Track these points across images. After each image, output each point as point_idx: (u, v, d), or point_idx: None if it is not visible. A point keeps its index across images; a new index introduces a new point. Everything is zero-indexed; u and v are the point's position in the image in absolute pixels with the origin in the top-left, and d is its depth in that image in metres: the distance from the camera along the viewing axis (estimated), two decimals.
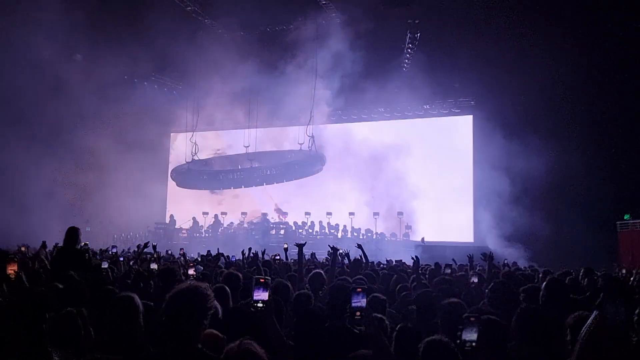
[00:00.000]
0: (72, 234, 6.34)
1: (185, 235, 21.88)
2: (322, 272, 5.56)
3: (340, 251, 7.66)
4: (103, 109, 19.93)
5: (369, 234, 19.67)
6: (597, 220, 16.33)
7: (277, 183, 22.04)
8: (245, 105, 21.43)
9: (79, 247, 6.45)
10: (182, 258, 10.45)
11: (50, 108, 17.71)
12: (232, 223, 22.43)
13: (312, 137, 20.49)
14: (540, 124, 17.45)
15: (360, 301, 2.72)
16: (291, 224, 20.76)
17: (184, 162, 23.06)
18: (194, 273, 6.16)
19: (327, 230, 20.21)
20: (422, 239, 18.32)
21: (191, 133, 22.48)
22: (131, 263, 7.66)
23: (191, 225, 22.46)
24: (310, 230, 20.58)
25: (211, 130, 24.10)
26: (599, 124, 16.67)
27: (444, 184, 19.74)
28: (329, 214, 20.15)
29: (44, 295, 2.79)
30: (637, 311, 2.76)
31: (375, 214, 19.38)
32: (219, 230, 21.61)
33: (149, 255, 9.04)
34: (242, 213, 22.19)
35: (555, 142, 16.80)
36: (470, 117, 20.54)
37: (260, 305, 2.77)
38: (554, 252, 15.77)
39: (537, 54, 16.72)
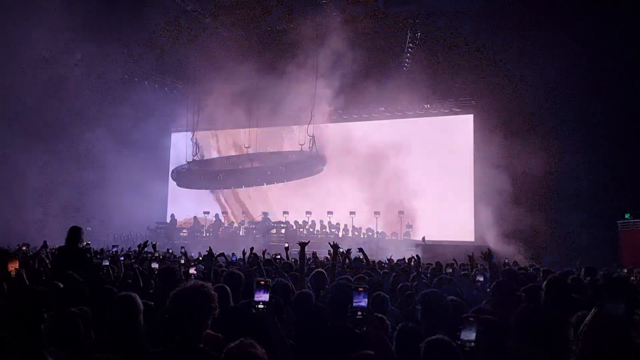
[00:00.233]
0: (75, 233, 6.34)
1: (186, 234, 21.89)
2: (323, 271, 5.55)
3: (341, 250, 7.63)
4: (103, 108, 19.94)
5: (370, 233, 19.68)
6: (598, 220, 16.32)
7: (277, 183, 22.05)
8: (245, 105, 21.43)
9: (81, 246, 6.46)
10: (182, 257, 10.44)
11: (50, 107, 17.73)
12: (232, 222, 22.43)
13: (313, 137, 20.49)
14: (541, 123, 17.45)
15: (361, 301, 2.72)
16: (292, 223, 20.77)
17: (185, 162, 23.06)
18: (195, 272, 6.15)
19: (327, 230, 20.21)
20: (423, 238, 18.30)
21: (191, 132, 22.49)
22: (132, 261, 7.64)
23: (192, 224, 22.47)
24: (311, 230, 20.59)
25: (211, 130, 24.11)
26: (599, 124, 16.65)
27: (445, 183, 19.75)
28: (329, 213, 20.16)
29: (44, 294, 2.78)
30: (637, 311, 2.76)
31: (376, 213, 19.39)
32: (220, 230, 21.62)
33: (149, 255, 9.05)
34: (243, 212, 22.20)
35: (556, 141, 16.80)
36: (471, 116, 20.55)
37: (261, 306, 2.78)
38: (554, 251, 15.79)
39: (537, 54, 16.71)
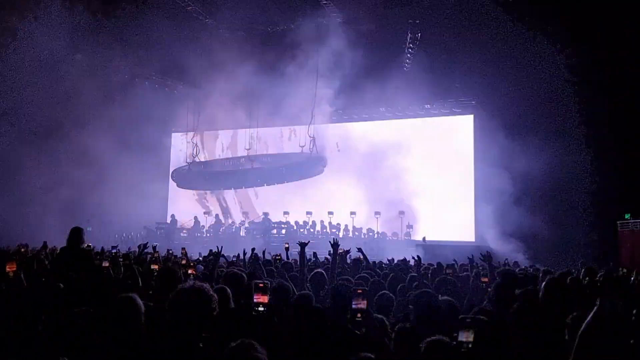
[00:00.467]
0: (76, 233, 6.34)
1: (186, 235, 21.89)
2: (323, 272, 5.54)
3: (341, 251, 7.62)
4: (104, 108, 19.94)
5: (371, 234, 19.67)
6: (598, 220, 16.32)
7: (277, 184, 22.06)
8: (246, 105, 21.43)
9: (83, 247, 6.46)
10: (184, 258, 10.42)
11: (50, 108, 17.75)
12: (233, 223, 22.43)
13: (313, 138, 20.49)
14: (541, 123, 17.45)
15: (361, 303, 2.73)
16: (292, 223, 20.77)
17: (185, 163, 23.08)
18: (194, 272, 6.15)
19: (328, 230, 20.20)
20: (424, 238, 18.33)
21: (192, 133, 22.50)
22: (132, 262, 7.64)
23: (192, 225, 22.47)
24: (312, 230, 20.58)
25: (212, 130, 24.11)
26: (599, 124, 16.65)
27: (445, 183, 19.74)
28: (330, 213, 20.15)
29: (40, 295, 2.79)
30: (634, 311, 2.77)
31: (377, 213, 19.38)
32: (220, 230, 21.62)
33: (149, 256, 9.05)
34: (244, 213, 22.21)
35: (556, 141, 16.80)
36: (471, 116, 20.52)
37: (261, 309, 2.79)
38: (554, 252, 15.79)
39: (537, 54, 16.70)
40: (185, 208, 23.40)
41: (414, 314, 3.47)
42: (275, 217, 21.27)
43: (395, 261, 10.23)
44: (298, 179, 21.70)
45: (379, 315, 3.65)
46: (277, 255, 9.57)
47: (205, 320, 2.58)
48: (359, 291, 2.77)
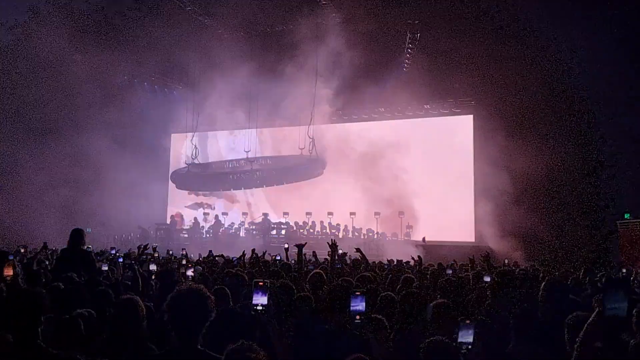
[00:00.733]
0: (77, 235, 6.33)
1: (186, 235, 21.87)
2: (322, 272, 5.54)
3: (340, 252, 7.63)
4: (103, 109, 19.94)
5: (370, 234, 19.67)
6: (598, 220, 16.32)
7: (276, 185, 22.07)
8: (245, 106, 21.42)
9: (83, 248, 6.45)
10: (184, 258, 10.43)
11: (50, 108, 17.75)
12: (233, 223, 22.43)
13: (313, 140, 20.48)
14: (541, 123, 17.44)
15: (359, 304, 2.72)
16: (292, 224, 20.76)
17: (184, 165, 23.07)
18: (193, 274, 6.15)
19: (328, 230, 20.19)
20: (423, 238, 18.31)
21: (191, 134, 22.49)
22: (132, 262, 7.64)
23: (192, 226, 22.46)
24: (312, 230, 20.58)
25: (211, 131, 24.09)
26: (600, 124, 16.65)
27: (445, 183, 19.71)
28: (330, 214, 20.16)
29: (39, 296, 2.79)
30: (634, 311, 2.76)
31: (376, 213, 19.38)
32: (220, 231, 21.60)
33: (148, 257, 9.04)
34: (243, 213, 22.21)
35: (556, 141, 16.79)
36: (471, 116, 20.50)
37: (260, 308, 2.79)
38: (554, 251, 15.79)
39: (537, 54, 16.70)
40: (185, 209, 23.38)
41: (399, 314, 3.45)
42: (275, 217, 21.28)
43: (395, 262, 10.24)
44: (297, 180, 21.71)
45: (379, 316, 3.65)
46: (275, 255, 9.59)
47: (202, 320, 2.59)
48: (358, 293, 2.76)
